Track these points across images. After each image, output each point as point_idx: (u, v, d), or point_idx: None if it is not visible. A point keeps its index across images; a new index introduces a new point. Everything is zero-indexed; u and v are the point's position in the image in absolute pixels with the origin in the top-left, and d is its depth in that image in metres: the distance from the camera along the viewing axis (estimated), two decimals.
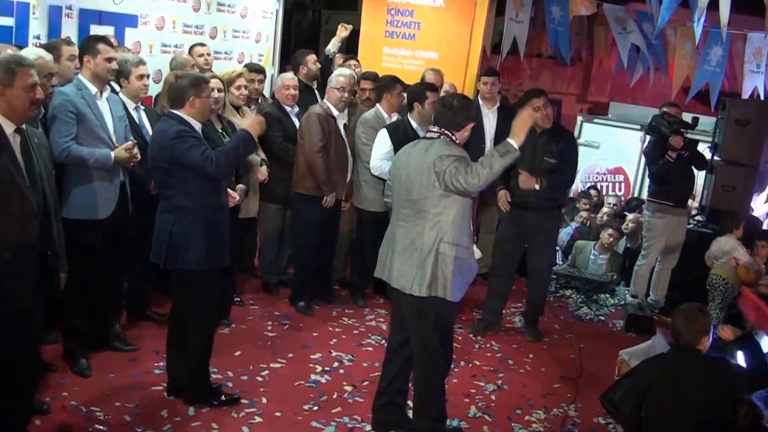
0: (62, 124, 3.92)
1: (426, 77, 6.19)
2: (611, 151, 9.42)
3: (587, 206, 7.94)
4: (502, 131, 5.94)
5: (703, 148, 6.56)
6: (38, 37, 4.92)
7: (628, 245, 7.18)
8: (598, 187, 9.14)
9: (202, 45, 5.99)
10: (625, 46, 8.92)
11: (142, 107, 4.63)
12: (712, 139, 6.91)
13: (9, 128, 3.05)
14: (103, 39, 4.23)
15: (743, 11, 6.96)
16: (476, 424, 4.21)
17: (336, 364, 4.74)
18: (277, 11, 7.71)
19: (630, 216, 7.30)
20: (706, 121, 7.37)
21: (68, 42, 4.49)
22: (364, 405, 4.17)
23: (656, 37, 8.31)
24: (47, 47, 4.28)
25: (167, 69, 5.54)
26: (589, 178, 9.35)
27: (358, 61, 6.72)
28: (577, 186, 8.93)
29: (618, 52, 9.15)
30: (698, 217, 6.80)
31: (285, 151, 5.45)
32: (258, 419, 3.96)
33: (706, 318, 3.41)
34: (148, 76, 4.57)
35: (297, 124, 5.51)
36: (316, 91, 6.21)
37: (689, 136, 6.10)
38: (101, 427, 3.68)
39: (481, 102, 6.33)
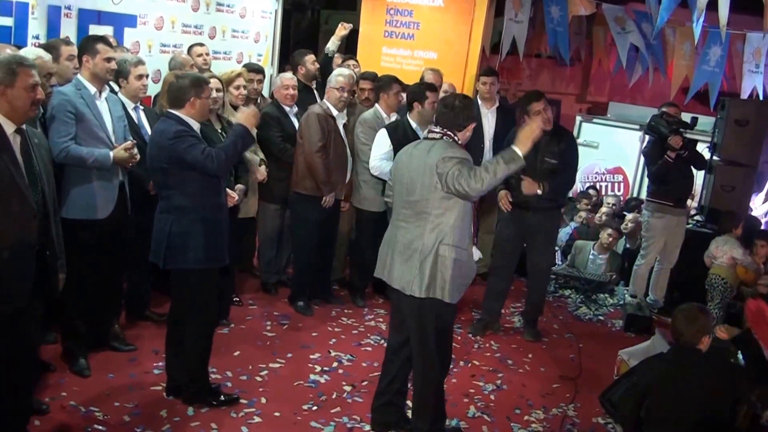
0: (61, 124, 3.92)
1: (425, 77, 6.19)
2: (610, 151, 9.42)
3: (588, 206, 7.95)
4: (501, 131, 5.98)
5: (702, 148, 6.56)
6: (37, 37, 4.92)
7: (628, 246, 7.18)
8: (597, 187, 9.14)
9: (201, 45, 5.99)
10: (624, 46, 8.94)
11: (141, 107, 4.62)
12: (711, 139, 6.91)
13: (9, 128, 3.05)
14: (102, 39, 4.23)
15: (742, 11, 6.97)
16: (475, 423, 4.21)
17: (335, 364, 4.74)
18: (276, 11, 7.71)
19: (629, 216, 7.31)
20: (705, 121, 7.38)
21: (67, 42, 4.49)
22: (363, 405, 4.17)
23: (655, 37, 8.31)
24: (46, 47, 4.27)
25: (166, 69, 5.54)
26: (588, 178, 9.35)
27: (357, 61, 6.72)
28: (577, 186, 8.92)
29: (617, 52, 9.17)
30: (697, 217, 6.80)
31: (283, 152, 5.45)
32: (257, 419, 3.96)
33: (706, 317, 3.42)
34: (147, 76, 4.57)
35: (296, 124, 5.51)
36: (315, 91, 6.22)
37: (688, 136, 6.10)
38: (100, 427, 3.68)
39: (480, 102, 6.33)
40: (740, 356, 4.32)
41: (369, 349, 5.04)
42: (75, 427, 3.67)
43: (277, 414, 4.03)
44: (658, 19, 6.60)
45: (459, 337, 5.30)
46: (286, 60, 7.79)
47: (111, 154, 4.03)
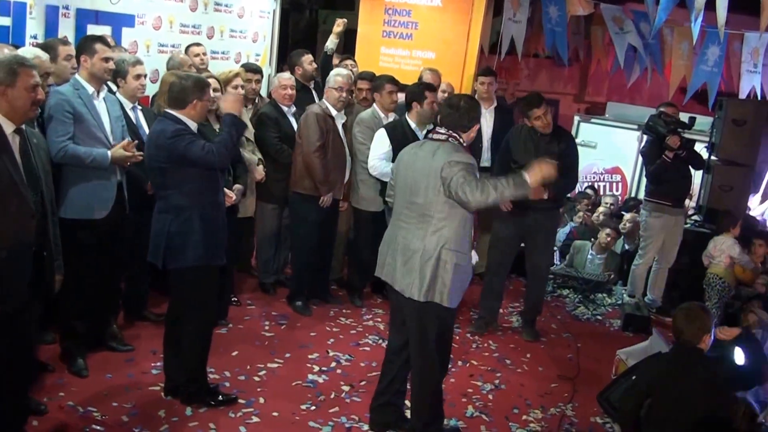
0: (59, 124, 3.91)
1: (423, 77, 6.19)
2: (608, 151, 9.43)
3: (588, 207, 7.95)
4: (499, 131, 5.98)
5: (700, 148, 6.57)
6: (35, 37, 4.91)
7: (627, 247, 7.18)
8: (596, 186, 9.15)
9: (198, 45, 5.98)
10: (622, 46, 8.94)
11: (139, 107, 4.62)
12: (709, 138, 6.92)
13: (8, 128, 3.05)
14: (100, 39, 4.22)
15: (740, 11, 6.97)
16: (474, 423, 4.21)
17: (333, 364, 4.74)
18: (274, 11, 7.70)
19: (627, 216, 7.31)
20: (703, 121, 7.38)
21: (65, 42, 4.47)
22: (362, 405, 4.17)
23: (653, 37, 8.32)
24: (44, 47, 4.26)
25: (164, 69, 5.53)
26: (586, 178, 9.35)
27: (355, 60, 6.72)
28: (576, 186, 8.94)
29: (615, 52, 9.17)
30: (695, 217, 6.81)
31: (280, 153, 5.44)
32: (255, 419, 3.95)
33: (707, 316, 3.42)
34: (145, 76, 4.56)
35: (294, 124, 5.51)
36: (313, 91, 6.22)
37: (686, 135, 6.10)
38: (98, 428, 3.67)
39: None
40: (739, 353, 4.33)
41: (367, 348, 5.04)
42: (73, 427, 3.66)
43: (275, 414, 4.03)
44: (656, 19, 6.61)
45: (457, 337, 5.29)
46: (284, 60, 7.78)
47: (109, 153, 4.03)
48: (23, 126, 3.15)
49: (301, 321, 5.39)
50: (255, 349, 4.83)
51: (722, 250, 5.78)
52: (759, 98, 8.35)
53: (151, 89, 5.33)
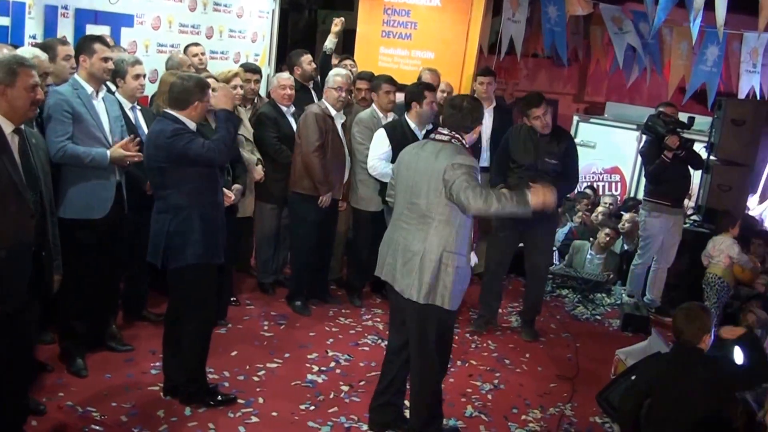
0: (58, 124, 3.91)
1: (423, 77, 6.18)
2: (608, 151, 9.44)
3: (587, 206, 7.96)
4: (498, 131, 5.98)
5: (699, 148, 6.57)
6: (34, 37, 4.91)
7: (626, 247, 7.18)
8: (595, 186, 9.16)
9: (197, 45, 5.98)
10: (621, 46, 8.95)
11: (138, 107, 4.61)
12: (708, 138, 6.92)
13: (8, 128, 3.05)
14: (100, 39, 4.22)
15: (739, 11, 6.97)
16: (473, 423, 4.22)
17: (333, 364, 4.74)
18: (273, 11, 7.70)
19: (626, 216, 7.32)
20: (702, 121, 7.39)
21: (63, 42, 4.47)
22: (361, 405, 4.17)
23: (652, 37, 8.33)
24: (42, 47, 4.26)
25: (163, 69, 5.53)
26: (585, 178, 9.36)
27: (354, 60, 6.72)
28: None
29: (614, 52, 9.17)
30: (694, 217, 6.82)
31: (278, 153, 5.43)
32: (254, 419, 3.95)
33: (707, 316, 3.42)
34: (144, 76, 4.56)
35: (293, 124, 5.51)
36: (313, 91, 6.21)
37: (685, 135, 6.11)
38: (97, 428, 3.67)
39: None
40: (739, 352, 4.32)
41: (366, 348, 5.04)
42: (72, 427, 3.66)
43: (274, 414, 4.03)
44: (655, 19, 6.61)
45: (456, 337, 5.28)
46: (283, 60, 7.78)
47: (108, 153, 4.02)
48: (22, 126, 3.14)
49: (300, 321, 5.38)
50: (254, 349, 4.83)
51: (721, 249, 5.79)
52: (758, 98, 8.36)
53: (150, 89, 5.33)
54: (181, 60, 5.54)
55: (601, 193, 9.07)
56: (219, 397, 4.04)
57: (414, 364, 3.75)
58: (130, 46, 5.75)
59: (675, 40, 8.78)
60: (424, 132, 5.31)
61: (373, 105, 5.64)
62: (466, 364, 4.98)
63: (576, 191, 8.60)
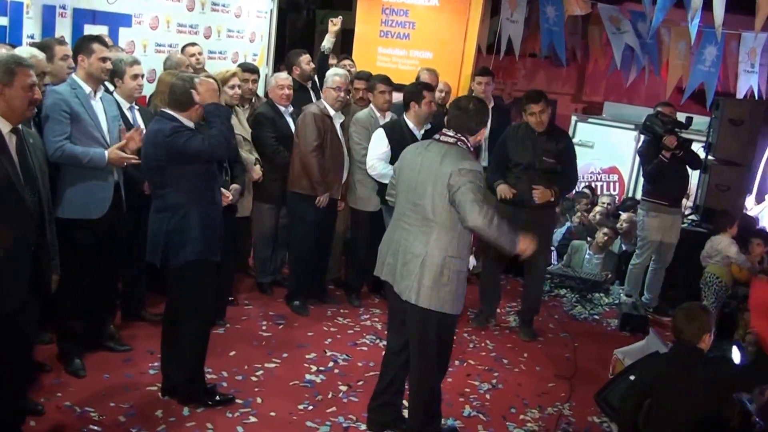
0: (56, 123, 3.90)
1: (421, 77, 6.18)
2: (606, 151, 9.45)
3: (586, 206, 7.96)
4: (497, 131, 5.97)
5: (697, 148, 6.58)
6: (32, 37, 4.91)
7: (624, 247, 7.19)
8: (593, 186, 9.16)
9: (194, 45, 5.97)
10: (620, 46, 8.95)
11: (137, 107, 4.61)
12: (706, 138, 6.93)
13: (5, 128, 3.05)
14: (98, 39, 4.22)
15: (737, 11, 6.98)
16: (471, 423, 4.22)
17: (331, 364, 4.73)
18: (271, 11, 7.71)
19: (624, 215, 7.32)
20: (700, 121, 7.40)
21: (61, 41, 4.46)
22: (359, 404, 4.16)
23: (650, 37, 8.34)
24: (40, 46, 4.25)
25: (161, 69, 5.53)
26: (583, 178, 9.37)
27: (352, 60, 6.72)
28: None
29: (612, 51, 9.18)
30: (692, 217, 6.82)
31: (276, 153, 5.42)
32: (253, 419, 3.95)
33: (707, 316, 3.41)
34: (142, 76, 4.55)
35: (291, 123, 5.50)
36: (311, 91, 6.21)
37: (683, 135, 6.11)
38: (96, 428, 3.67)
39: None
40: (737, 351, 4.34)
41: (365, 348, 5.04)
42: (70, 427, 3.66)
43: (272, 414, 4.03)
44: (653, 19, 6.61)
45: (455, 337, 5.28)
46: (282, 60, 7.78)
47: (106, 153, 4.02)
48: (20, 126, 3.14)
49: (298, 321, 5.38)
50: (252, 349, 4.82)
51: (719, 249, 5.79)
52: (756, 98, 8.37)
53: (149, 89, 5.33)
54: (180, 60, 5.53)
55: (599, 193, 9.07)
56: (217, 397, 4.03)
57: (414, 365, 3.75)
58: (128, 46, 5.75)
59: (673, 40, 8.79)
60: (422, 132, 5.31)
61: (371, 105, 5.64)
62: (465, 364, 4.98)
63: (574, 191, 8.62)
